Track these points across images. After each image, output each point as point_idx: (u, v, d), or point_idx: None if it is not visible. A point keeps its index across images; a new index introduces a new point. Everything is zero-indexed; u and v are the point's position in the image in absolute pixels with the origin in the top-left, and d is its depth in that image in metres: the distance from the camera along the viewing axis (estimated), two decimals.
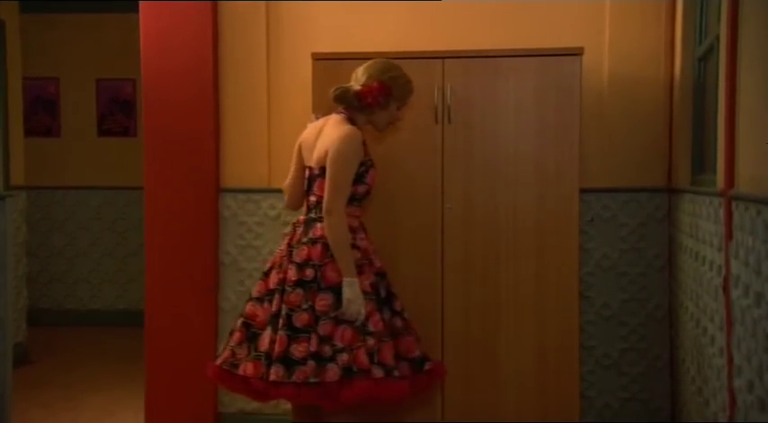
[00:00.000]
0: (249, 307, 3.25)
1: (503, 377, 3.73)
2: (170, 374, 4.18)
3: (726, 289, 2.56)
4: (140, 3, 4.16)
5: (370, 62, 3.31)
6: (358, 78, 3.28)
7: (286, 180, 3.45)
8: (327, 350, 3.05)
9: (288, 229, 3.39)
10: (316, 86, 3.74)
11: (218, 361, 3.25)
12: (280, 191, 4.16)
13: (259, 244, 4.21)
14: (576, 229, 3.68)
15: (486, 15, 4.07)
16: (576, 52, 3.64)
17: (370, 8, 4.12)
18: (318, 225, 3.18)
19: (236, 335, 3.24)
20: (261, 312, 3.21)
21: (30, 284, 6.37)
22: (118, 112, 7.16)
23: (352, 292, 3.07)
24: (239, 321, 3.26)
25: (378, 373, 3.06)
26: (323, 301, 3.08)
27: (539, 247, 3.69)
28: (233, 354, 3.21)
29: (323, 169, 3.19)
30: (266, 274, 3.28)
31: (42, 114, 7.18)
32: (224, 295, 4.24)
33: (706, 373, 2.97)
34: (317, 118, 3.39)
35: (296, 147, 3.41)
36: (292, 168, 3.42)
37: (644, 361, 4.06)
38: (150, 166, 4.18)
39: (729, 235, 2.51)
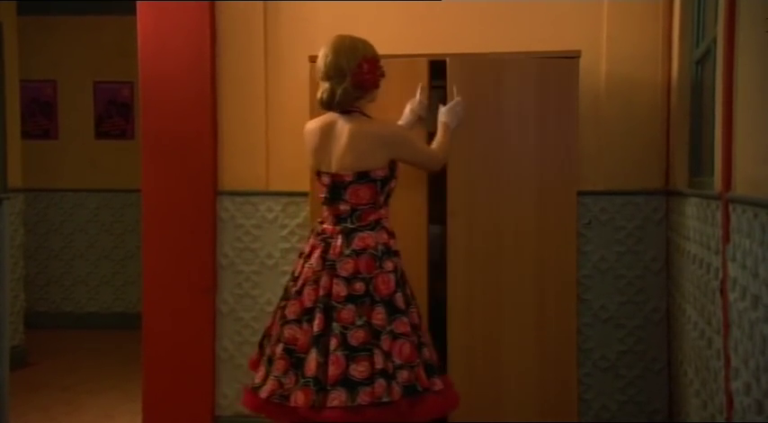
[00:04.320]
0: (288, 331, 3.00)
1: (502, 379, 3.72)
2: (168, 377, 4.17)
3: (723, 291, 2.56)
4: (138, 4, 4.16)
5: (333, 49, 3.05)
6: (335, 75, 3.04)
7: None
8: (390, 367, 2.90)
9: (310, 241, 3.15)
10: (314, 88, 3.72)
11: (264, 393, 2.98)
12: (277, 194, 4.17)
13: (257, 246, 4.21)
14: (574, 231, 3.68)
15: (484, 17, 4.07)
16: (574, 55, 3.63)
17: (369, 9, 4.12)
18: (361, 234, 3.02)
19: (280, 363, 2.98)
20: (301, 335, 2.97)
21: (27, 287, 6.36)
22: (115, 114, 7.15)
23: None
24: (279, 347, 3.01)
25: (438, 384, 2.99)
26: (379, 314, 2.93)
27: (537, 250, 3.68)
28: (280, 384, 2.96)
29: (360, 175, 3.03)
30: (299, 293, 3.03)
31: (40, 117, 7.17)
32: (222, 298, 4.24)
33: (703, 375, 2.97)
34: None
35: (307, 150, 3.20)
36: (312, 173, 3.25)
37: (641, 363, 4.06)
38: (148, 168, 4.18)
39: (727, 237, 2.51)
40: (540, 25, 4.03)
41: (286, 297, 3.13)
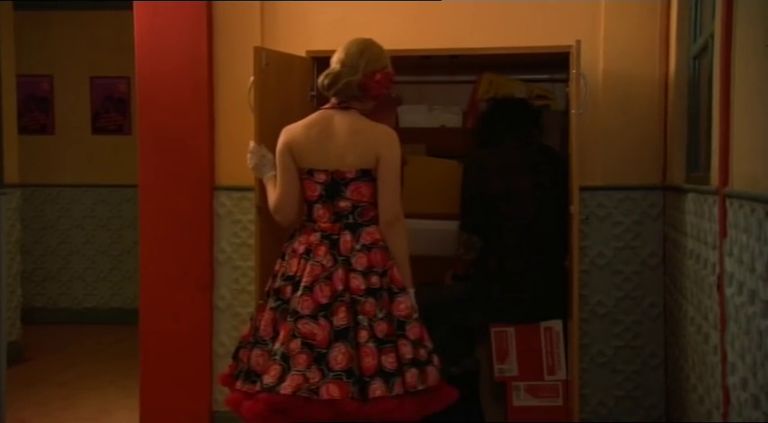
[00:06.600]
0: (303, 326, 2.91)
1: None
2: (165, 373, 4.17)
3: (720, 287, 2.56)
4: (134, 4, 4.15)
5: (360, 47, 3.07)
6: (350, 65, 3.03)
7: (276, 194, 3.17)
8: (423, 353, 2.96)
9: (300, 240, 3.07)
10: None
11: (288, 389, 2.83)
12: None
13: (253, 242, 4.20)
14: (575, 226, 3.66)
15: (482, 14, 4.05)
16: (567, 50, 3.62)
17: (366, 6, 4.11)
18: (368, 229, 3.03)
19: (302, 357, 2.87)
20: (319, 330, 2.89)
21: (24, 283, 6.36)
22: (112, 109, 7.14)
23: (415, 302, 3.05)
24: (296, 342, 2.89)
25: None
26: (402, 304, 2.99)
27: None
28: (305, 378, 2.84)
29: (363, 172, 3.02)
30: (309, 289, 2.94)
31: (36, 112, 7.16)
32: (219, 294, 4.23)
33: (700, 370, 2.98)
34: None
35: (284, 151, 3.12)
36: (286, 176, 3.13)
37: (639, 359, 4.07)
38: (145, 163, 4.17)
39: (724, 233, 2.51)
40: (538, 23, 4.02)
41: (278, 298, 3.03)
